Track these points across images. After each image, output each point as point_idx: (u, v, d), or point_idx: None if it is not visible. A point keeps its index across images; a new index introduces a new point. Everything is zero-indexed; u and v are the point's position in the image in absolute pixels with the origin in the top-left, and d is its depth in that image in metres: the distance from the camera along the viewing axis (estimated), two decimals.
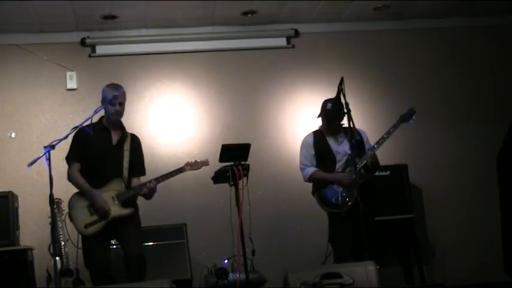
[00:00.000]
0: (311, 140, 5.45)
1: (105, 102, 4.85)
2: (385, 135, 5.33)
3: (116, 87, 4.90)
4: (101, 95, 4.93)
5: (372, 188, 5.27)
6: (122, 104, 4.87)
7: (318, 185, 5.36)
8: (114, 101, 4.82)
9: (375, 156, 5.31)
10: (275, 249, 6.37)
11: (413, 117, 5.50)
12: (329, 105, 5.29)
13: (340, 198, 5.21)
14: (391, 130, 5.36)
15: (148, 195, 4.87)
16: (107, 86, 4.94)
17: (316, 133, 5.48)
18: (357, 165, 5.09)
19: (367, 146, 5.36)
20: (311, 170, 5.38)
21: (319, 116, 5.42)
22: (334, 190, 5.25)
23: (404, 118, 5.48)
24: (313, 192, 5.41)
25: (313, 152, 5.41)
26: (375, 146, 5.30)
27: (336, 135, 5.38)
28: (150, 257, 5.06)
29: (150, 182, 4.84)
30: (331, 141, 5.38)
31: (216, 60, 6.87)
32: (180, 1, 6.19)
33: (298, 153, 5.50)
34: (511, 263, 5.96)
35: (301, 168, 5.45)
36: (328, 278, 4.24)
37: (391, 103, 6.94)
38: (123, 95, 4.90)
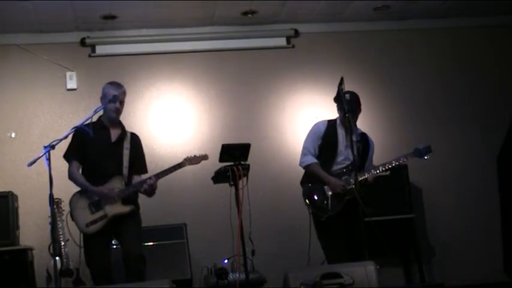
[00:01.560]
0: (323, 128, 5.28)
1: (105, 99, 4.86)
2: (394, 162, 5.12)
3: (118, 85, 4.93)
4: (101, 92, 4.94)
5: (370, 189, 5.23)
6: (122, 103, 4.90)
7: (310, 178, 5.26)
8: (115, 99, 4.85)
9: (373, 180, 5.15)
10: (275, 249, 6.37)
11: (427, 156, 5.23)
12: (347, 95, 5.05)
13: (326, 202, 5.12)
14: (402, 160, 5.16)
15: (150, 192, 4.87)
16: (108, 83, 4.96)
17: (330, 123, 5.31)
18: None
19: (368, 160, 5.26)
20: (311, 159, 5.25)
21: (337, 106, 5.18)
22: (323, 192, 5.16)
23: (419, 154, 5.21)
24: (302, 183, 5.33)
25: (320, 142, 5.27)
26: (380, 167, 5.11)
27: (348, 136, 5.06)
28: (150, 257, 5.06)
29: (150, 178, 4.84)
30: (340, 139, 5.23)
31: (216, 60, 6.87)
32: (180, 1, 6.19)
33: (299, 153, 5.44)
34: (511, 263, 5.97)
35: (303, 152, 5.32)
36: (328, 278, 4.23)
37: (391, 103, 6.95)
38: (124, 94, 4.93)
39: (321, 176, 5.20)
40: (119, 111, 4.90)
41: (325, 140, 5.27)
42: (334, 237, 5.11)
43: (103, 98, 4.89)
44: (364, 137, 5.32)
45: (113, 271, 4.81)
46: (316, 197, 5.17)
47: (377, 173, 5.12)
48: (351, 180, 5.02)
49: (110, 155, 4.85)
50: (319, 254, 5.40)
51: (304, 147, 5.34)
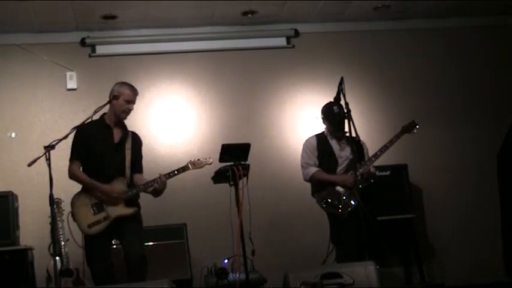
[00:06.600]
0: (314, 142, 5.44)
1: (120, 98, 4.85)
2: (388, 144, 5.34)
3: (135, 88, 4.98)
4: (115, 89, 4.90)
5: (370, 189, 5.26)
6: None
7: (319, 186, 5.34)
8: (132, 101, 4.91)
9: (368, 173, 5.26)
10: (275, 249, 6.37)
11: (415, 130, 5.51)
12: (335, 107, 5.22)
13: (343, 200, 5.20)
14: (394, 139, 5.37)
15: (159, 191, 4.86)
16: (125, 83, 4.98)
17: (319, 136, 5.47)
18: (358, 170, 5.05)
19: (366, 157, 5.35)
20: (313, 169, 5.36)
21: (324, 120, 5.39)
22: (336, 191, 5.24)
23: (406, 130, 5.48)
24: (313, 194, 5.40)
25: (316, 153, 5.40)
26: (378, 152, 5.30)
27: (339, 141, 5.37)
28: (150, 257, 5.05)
29: (159, 177, 4.82)
30: (334, 146, 5.37)
31: (216, 60, 6.87)
32: (180, 1, 6.19)
33: (299, 153, 5.49)
34: (511, 263, 5.98)
35: (303, 166, 5.43)
36: (328, 278, 4.23)
37: (391, 103, 6.95)
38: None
39: (327, 179, 5.30)
40: (129, 114, 4.95)
41: (320, 150, 5.40)
42: (347, 237, 5.16)
43: (118, 95, 4.86)
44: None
45: (114, 271, 4.81)
46: (330, 200, 5.25)
47: (378, 154, 5.32)
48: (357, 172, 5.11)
49: (113, 156, 4.84)
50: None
51: (303, 163, 5.45)
